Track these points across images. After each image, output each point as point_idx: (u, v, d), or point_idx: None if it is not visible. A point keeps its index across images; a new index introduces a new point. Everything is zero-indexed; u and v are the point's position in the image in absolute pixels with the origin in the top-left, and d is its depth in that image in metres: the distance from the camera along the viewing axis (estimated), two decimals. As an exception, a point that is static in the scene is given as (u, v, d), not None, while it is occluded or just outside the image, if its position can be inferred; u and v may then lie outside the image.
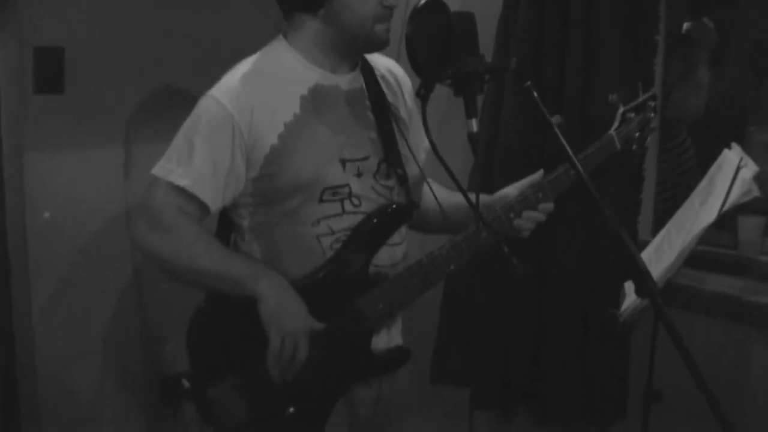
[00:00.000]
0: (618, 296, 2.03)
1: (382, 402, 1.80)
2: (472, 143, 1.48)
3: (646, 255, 2.02)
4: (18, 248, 2.22)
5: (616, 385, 2.41)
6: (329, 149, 1.66)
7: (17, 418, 2.24)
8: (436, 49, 1.49)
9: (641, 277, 1.34)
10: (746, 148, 1.99)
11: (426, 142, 1.87)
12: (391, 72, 1.82)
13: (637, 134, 1.90)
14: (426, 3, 1.50)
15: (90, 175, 2.34)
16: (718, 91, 3.06)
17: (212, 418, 1.68)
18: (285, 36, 1.71)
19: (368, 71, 1.75)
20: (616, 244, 1.36)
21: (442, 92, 1.53)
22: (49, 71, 2.22)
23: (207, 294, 1.69)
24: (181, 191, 1.61)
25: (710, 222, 1.86)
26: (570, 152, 1.43)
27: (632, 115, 1.89)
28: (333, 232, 1.66)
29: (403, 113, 1.81)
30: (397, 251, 1.73)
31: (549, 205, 1.75)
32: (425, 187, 1.87)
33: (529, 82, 1.47)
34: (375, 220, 1.68)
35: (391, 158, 1.72)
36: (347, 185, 1.67)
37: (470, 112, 1.47)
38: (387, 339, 1.76)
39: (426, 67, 1.50)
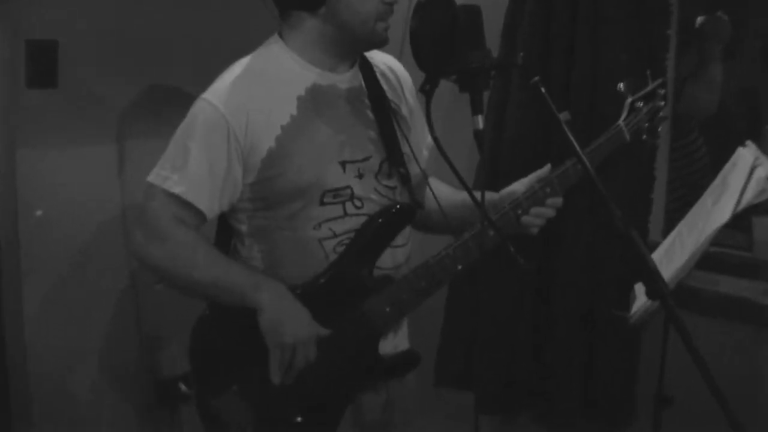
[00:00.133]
0: (627, 296, 2.03)
1: (390, 407, 1.80)
2: (477, 140, 1.48)
3: (656, 256, 2.02)
4: (10, 247, 2.22)
5: (624, 388, 2.42)
6: (328, 151, 1.66)
7: (8, 422, 2.24)
8: (440, 44, 1.49)
9: (652, 278, 1.34)
10: (761, 146, 1.99)
11: (429, 139, 1.88)
12: (390, 69, 1.82)
13: (646, 124, 1.89)
14: (431, -4, 1.50)
15: (84, 172, 2.35)
16: (732, 87, 3.06)
17: (217, 429, 1.69)
18: (281, 35, 1.71)
19: (367, 69, 1.75)
20: (625, 244, 1.36)
21: (446, 88, 1.53)
22: (43, 65, 2.23)
23: (209, 300, 1.69)
24: (176, 199, 1.61)
25: (723, 222, 1.86)
26: (579, 150, 1.44)
27: (641, 104, 1.88)
28: (335, 235, 1.67)
29: (404, 111, 1.81)
30: (400, 253, 1.73)
31: (557, 200, 1.74)
32: (430, 184, 1.87)
33: (537, 78, 1.47)
34: (379, 222, 1.68)
35: (394, 158, 1.73)
36: (348, 187, 1.67)
37: (476, 109, 1.47)
38: (393, 343, 1.77)
39: (430, 62, 1.50)
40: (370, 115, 1.73)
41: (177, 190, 1.61)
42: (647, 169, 2.38)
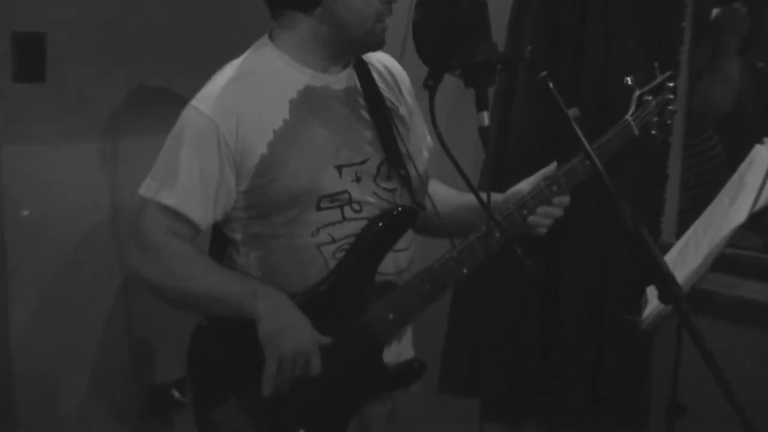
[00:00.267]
0: (638, 298, 2.03)
1: (395, 417, 1.80)
2: (482, 137, 1.47)
3: (670, 258, 2.02)
4: (-5, 248, 2.22)
5: (636, 388, 2.41)
6: (324, 155, 1.65)
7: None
8: (444, 37, 1.48)
9: (665, 281, 1.34)
10: (779, 144, 1.99)
11: (429, 139, 1.88)
12: (386, 67, 1.81)
13: (655, 118, 1.90)
14: (434, -13, 1.50)
15: (73, 170, 2.34)
16: (748, 82, 3.05)
17: None
18: (271, 36, 1.70)
19: (362, 68, 1.75)
20: (635, 243, 1.36)
21: (449, 84, 1.52)
22: (30, 58, 2.22)
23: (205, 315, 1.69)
24: (169, 211, 1.62)
25: (740, 223, 1.85)
26: (589, 148, 1.43)
27: (649, 98, 1.88)
28: (334, 241, 1.66)
29: (402, 111, 1.81)
30: (402, 257, 1.73)
31: (565, 199, 1.74)
32: (430, 188, 1.87)
33: (545, 72, 1.46)
34: (380, 225, 1.67)
35: (393, 159, 1.72)
36: (346, 191, 1.67)
37: (481, 105, 1.47)
38: (397, 351, 1.76)
39: (434, 57, 1.50)
40: (367, 116, 1.72)
41: (169, 202, 1.61)
42: (660, 167, 2.38)
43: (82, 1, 2.28)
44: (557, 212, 1.74)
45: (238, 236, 1.71)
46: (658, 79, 1.91)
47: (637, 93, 1.86)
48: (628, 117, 1.83)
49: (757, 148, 1.99)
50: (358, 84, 1.73)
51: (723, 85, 2.92)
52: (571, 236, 2.36)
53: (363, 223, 1.67)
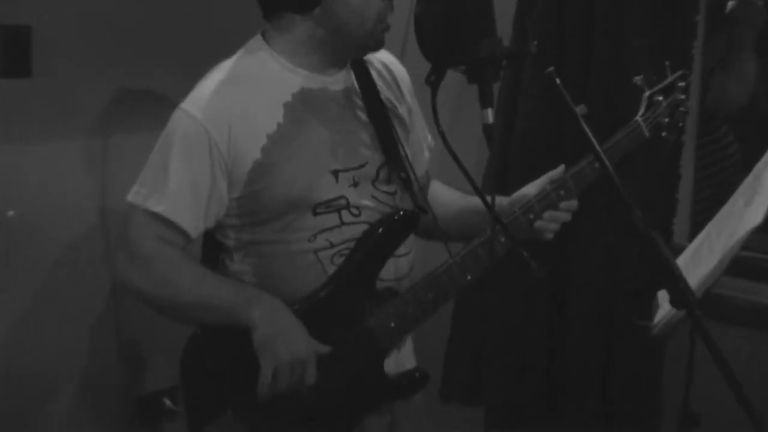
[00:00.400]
0: (649, 302, 2.03)
1: (395, 429, 1.80)
2: (487, 135, 1.48)
3: (682, 261, 2.02)
4: (-20, 250, 2.22)
5: (645, 400, 2.41)
6: (319, 160, 1.65)
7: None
8: (447, 31, 1.48)
9: (677, 285, 1.34)
10: (797, 142, 1.99)
11: (430, 138, 1.88)
12: (385, 65, 1.81)
13: (666, 120, 1.90)
14: (437, -21, 1.49)
15: (61, 169, 2.34)
16: (764, 77, 3.05)
17: None
18: (264, 36, 1.70)
19: (360, 67, 1.74)
20: (645, 245, 1.36)
21: (452, 80, 1.53)
22: (15, 53, 2.22)
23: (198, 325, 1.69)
24: (158, 218, 1.62)
25: (756, 224, 1.85)
26: (597, 147, 1.44)
27: (660, 98, 1.89)
28: (333, 246, 1.66)
29: (402, 111, 1.81)
30: (403, 263, 1.73)
31: (572, 203, 1.74)
32: (432, 189, 1.87)
33: (551, 68, 1.47)
34: (380, 230, 1.67)
35: (392, 162, 1.72)
36: (343, 197, 1.67)
37: (485, 102, 1.47)
38: (396, 360, 1.76)
39: (436, 51, 1.50)
40: (365, 117, 1.72)
41: (158, 209, 1.61)
42: (672, 167, 2.39)
43: (70, -8, 2.28)
44: (565, 217, 1.74)
45: (231, 243, 1.71)
46: (669, 79, 1.92)
47: (647, 93, 1.87)
48: (639, 118, 1.84)
49: (774, 146, 1.99)
50: (356, 84, 1.73)
51: (738, 81, 2.91)
52: (580, 238, 2.37)
53: (362, 228, 1.67)
